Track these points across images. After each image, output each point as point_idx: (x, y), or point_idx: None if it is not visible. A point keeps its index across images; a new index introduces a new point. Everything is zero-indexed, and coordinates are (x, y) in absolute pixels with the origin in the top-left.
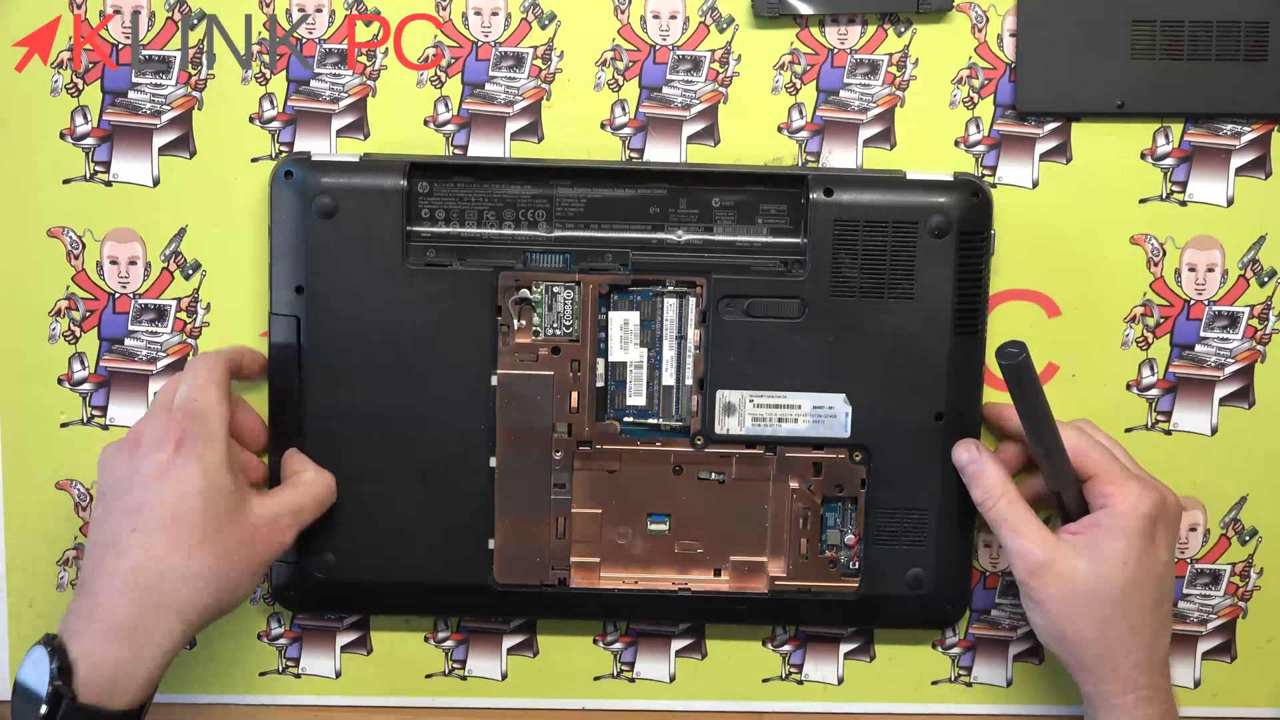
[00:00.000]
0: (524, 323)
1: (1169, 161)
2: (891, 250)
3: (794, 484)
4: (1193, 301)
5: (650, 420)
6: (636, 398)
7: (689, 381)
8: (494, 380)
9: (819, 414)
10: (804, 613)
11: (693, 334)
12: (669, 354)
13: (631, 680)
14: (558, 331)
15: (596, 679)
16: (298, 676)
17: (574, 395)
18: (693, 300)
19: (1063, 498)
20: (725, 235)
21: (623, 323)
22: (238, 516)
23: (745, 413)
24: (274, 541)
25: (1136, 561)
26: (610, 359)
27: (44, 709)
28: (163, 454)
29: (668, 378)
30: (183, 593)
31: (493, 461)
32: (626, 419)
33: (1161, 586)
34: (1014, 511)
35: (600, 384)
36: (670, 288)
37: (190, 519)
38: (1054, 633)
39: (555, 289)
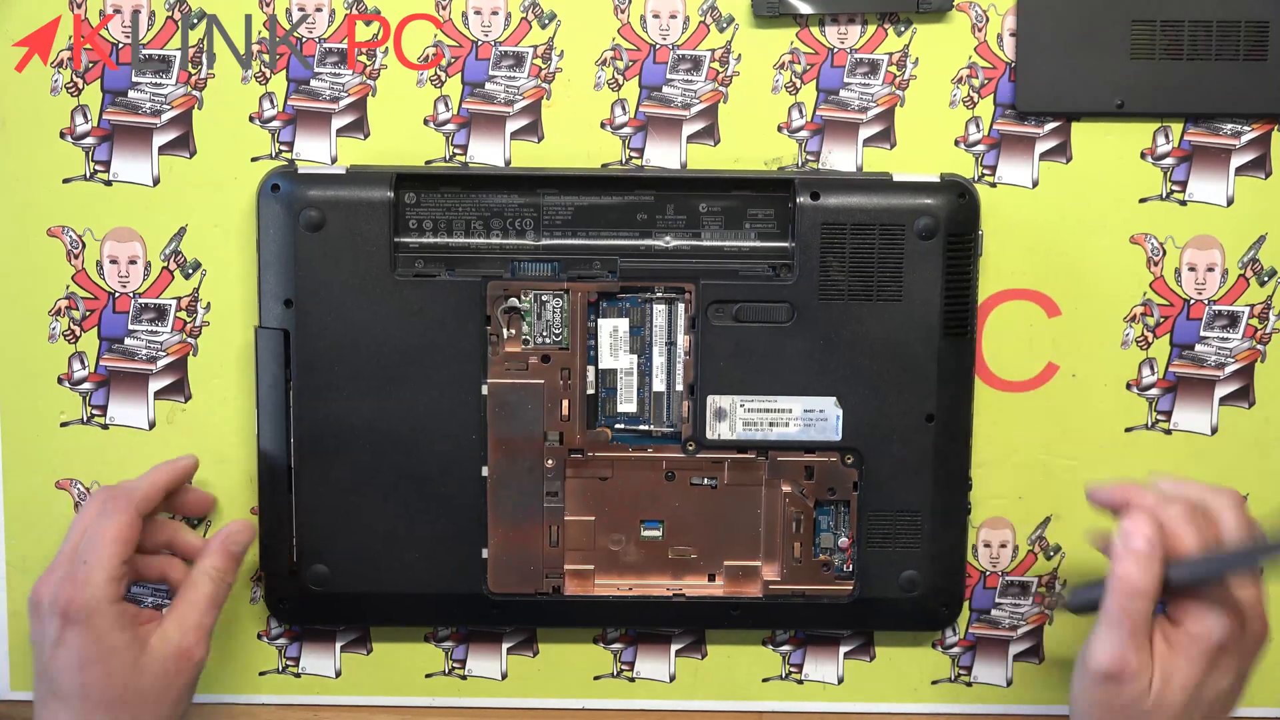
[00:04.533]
0: (513, 332)
1: (1169, 161)
2: (879, 253)
3: (786, 488)
4: (1193, 301)
5: (641, 427)
6: (627, 404)
7: (679, 387)
8: (484, 390)
9: (810, 417)
10: (799, 616)
11: (682, 340)
12: (659, 360)
13: (631, 680)
14: (547, 340)
15: (596, 679)
16: (298, 676)
17: (565, 403)
18: (681, 306)
19: None
20: (713, 240)
21: (612, 330)
22: (140, 666)
23: (736, 417)
24: (188, 661)
25: (1196, 689)
26: (600, 366)
27: None
28: (54, 627)
29: (658, 384)
30: None
31: (484, 471)
32: (618, 426)
33: (1210, 711)
34: (1140, 620)
35: (591, 391)
36: (659, 294)
37: (97, 687)
38: None
39: (544, 297)
